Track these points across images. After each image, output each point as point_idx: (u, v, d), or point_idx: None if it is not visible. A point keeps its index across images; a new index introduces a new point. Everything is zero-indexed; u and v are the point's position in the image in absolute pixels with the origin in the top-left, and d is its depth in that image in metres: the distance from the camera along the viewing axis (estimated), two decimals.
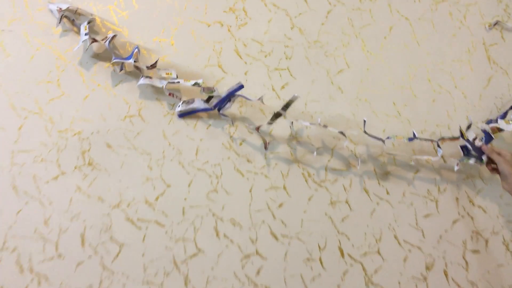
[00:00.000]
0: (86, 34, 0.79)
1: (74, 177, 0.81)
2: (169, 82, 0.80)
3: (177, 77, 0.82)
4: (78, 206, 0.81)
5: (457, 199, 0.90)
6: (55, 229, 0.79)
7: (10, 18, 0.85)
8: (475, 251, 0.90)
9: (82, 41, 0.79)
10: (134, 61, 0.78)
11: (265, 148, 0.84)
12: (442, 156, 0.87)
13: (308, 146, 0.88)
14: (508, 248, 0.90)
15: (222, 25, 0.90)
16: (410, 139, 0.82)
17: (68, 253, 0.79)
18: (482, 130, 0.85)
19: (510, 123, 0.83)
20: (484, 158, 0.82)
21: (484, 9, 0.99)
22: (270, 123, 0.82)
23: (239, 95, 0.81)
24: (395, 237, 0.87)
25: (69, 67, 0.84)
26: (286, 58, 0.91)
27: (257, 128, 0.82)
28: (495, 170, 0.82)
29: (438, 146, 0.83)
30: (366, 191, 0.88)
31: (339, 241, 0.86)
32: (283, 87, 0.90)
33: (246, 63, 0.89)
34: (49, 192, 0.81)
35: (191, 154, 0.85)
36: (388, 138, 0.84)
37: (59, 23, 0.80)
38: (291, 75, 0.90)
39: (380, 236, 0.86)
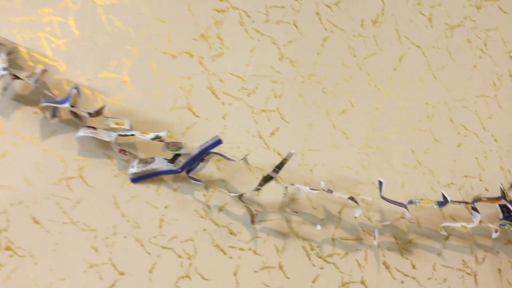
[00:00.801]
0: (4, 69, 0.69)
1: None
2: (119, 135, 0.71)
3: (131, 128, 0.74)
4: None
5: (499, 270, 0.84)
6: None
7: None
8: None
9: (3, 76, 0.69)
10: (72, 106, 0.69)
11: (252, 222, 0.76)
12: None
13: (308, 211, 0.80)
14: None
15: (191, 56, 0.84)
16: (441, 204, 0.77)
17: None
18: None
19: None
20: None
21: (507, 35, 0.99)
22: (257, 189, 0.74)
23: (215, 153, 0.73)
24: None
25: None
26: (275, 97, 0.85)
27: (240, 197, 0.74)
28: None
29: (474, 209, 0.78)
30: (387, 267, 0.81)
31: None
32: (273, 133, 0.84)
33: (224, 103, 0.83)
34: None
35: (153, 227, 0.76)
36: (411, 202, 0.77)
37: None
38: (282, 118, 0.85)
39: None
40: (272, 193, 0.83)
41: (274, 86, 0.88)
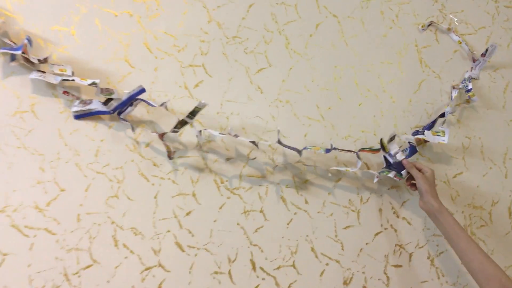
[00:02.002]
0: None
1: None
2: (63, 79, 0.90)
3: (72, 74, 0.93)
4: None
5: (380, 210, 1.05)
6: None
7: None
8: (398, 266, 1.05)
9: None
10: (23, 53, 0.88)
11: (169, 157, 0.96)
12: (363, 167, 1.02)
13: (221, 151, 1.00)
14: (433, 263, 1.06)
15: (131, 15, 1.02)
16: (328, 151, 0.97)
17: None
18: (407, 142, 1.00)
19: (437, 135, 0.99)
20: (404, 173, 0.97)
21: (419, 9, 1.15)
22: (175, 131, 0.94)
23: (140, 100, 0.93)
24: (312, 249, 1.01)
25: None
26: (202, 54, 1.03)
27: (161, 136, 0.94)
28: (414, 186, 0.97)
29: (358, 157, 0.97)
30: (284, 200, 1.02)
31: (251, 253, 0.99)
32: (197, 85, 1.02)
33: (156, 57, 1.01)
34: None
35: (90, 155, 0.97)
36: (305, 148, 0.97)
37: None
38: (206, 73, 1.03)
39: (296, 248, 1.00)
40: (192, 134, 1.03)
41: (202, 45, 1.07)
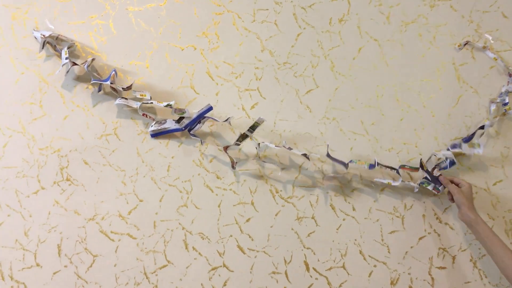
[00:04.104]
0: (66, 58, 1.12)
1: (52, 191, 1.14)
2: (143, 103, 1.12)
3: (151, 98, 1.14)
4: (55, 219, 1.12)
5: (423, 216, 1.19)
6: (34, 240, 1.11)
7: None
8: (442, 268, 1.18)
9: (63, 65, 1.12)
10: (111, 83, 1.11)
11: (232, 167, 1.15)
12: (405, 178, 1.17)
13: (276, 163, 1.18)
14: (476, 265, 1.18)
15: (195, 48, 1.23)
16: (371, 167, 1.12)
17: (46, 262, 1.10)
18: (444, 156, 1.14)
19: (474, 147, 1.13)
20: (441, 188, 1.12)
21: (455, 30, 1.30)
22: (237, 144, 1.13)
23: (208, 117, 1.13)
24: (361, 252, 1.16)
25: (51, 89, 1.17)
26: (256, 79, 1.23)
27: (225, 148, 1.13)
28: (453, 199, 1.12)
29: (398, 173, 1.13)
30: (333, 208, 1.18)
31: (305, 256, 1.15)
32: (253, 106, 1.21)
33: (217, 84, 1.22)
34: (29, 205, 1.13)
35: (163, 170, 1.17)
36: (351, 162, 1.14)
37: (42, 49, 1.14)
38: (261, 95, 1.22)
39: (346, 251, 1.16)
40: (250, 146, 1.22)
41: (256, 71, 1.26)
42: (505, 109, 1.22)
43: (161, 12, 1.24)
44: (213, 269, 1.14)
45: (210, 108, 1.14)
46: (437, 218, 1.20)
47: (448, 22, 1.30)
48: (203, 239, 1.15)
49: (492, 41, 1.30)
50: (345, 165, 1.15)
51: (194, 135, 1.17)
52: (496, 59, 1.28)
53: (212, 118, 1.15)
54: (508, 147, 1.24)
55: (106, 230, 1.14)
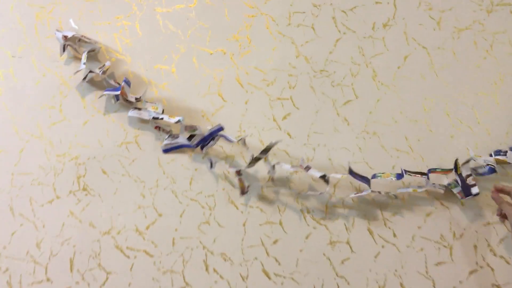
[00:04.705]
0: (84, 64, 1.08)
1: (68, 201, 1.09)
2: (153, 117, 1.07)
3: (163, 111, 1.09)
4: (69, 231, 1.08)
5: (475, 246, 1.08)
6: (46, 253, 1.06)
7: (21, 45, 1.18)
8: None
9: (77, 71, 1.09)
10: (121, 93, 1.06)
11: (242, 193, 1.08)
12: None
13: (308, 180, 1.10)
14: None
15: (224, 53, 1.17)
16: (399, 177, 1.03)
17: (57, 277, 1.05)
18: (485, 163, 1.03)
19: None
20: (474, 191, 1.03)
21: None
22: (249, 167, 1.06)
23: (221, 135, 1.06)
24: (401, 285, 1.06)
25: (72, 93, 1.14)
26: (290, 87, 1.15)
27: (238, 172, 1.06)
28: (505, 217, 0.99)
29: (428, 178, 1.03)
30: (371, 232, 1.08)
31: (338, 285, 1.06)
32: (285, 117, 1.14)
33: (247, 91, 1.15)
34: (43, 215, 1.09)
35: (185, 183, 1.11)
36: (374, 177, 1.04)
37: (63, 51, 1.11)
38: (294, 105, 1.15)
39: (384, 282, 1.06)
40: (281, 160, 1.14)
41: (290, 79, 1.19)
42: None
43: (190, 14, 1.19)
44: None
45: (221, 129, 1.09)
46: (491, 250, 1.08)
47: (507, 30, 1.19)
48: (225, 260, 1.08)
49: None
50: (368, 183, 1.05)
51: (206, 154, 1.12)
52: None
53: (225, 137, 1.08)
54: None
55: (122, 245, 1.08)
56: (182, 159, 1.14)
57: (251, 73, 1.18)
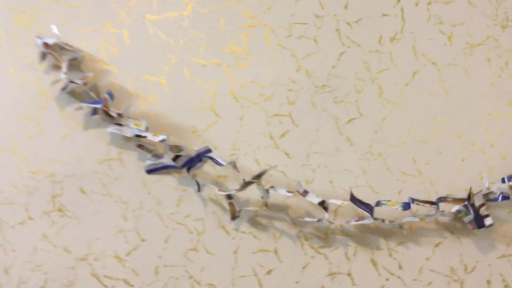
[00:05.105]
0: (64, 73, 1.01)
1: (41, 223, 1.02)
2: (136, 135, 0.99)
3: (146, 129, 1.02)
4: (41, 256, 1.00)
5: (488, 282, 1.01)
6: (14, 280, 0.99)
7: None
8: None
9: (57, 81, 1.02)
10: (103, 107, 0.99)
11: (232, 218, 1.01)
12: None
13: (307, 206, 1.02)
14: None
15: (219, 64, 1.11)
16: (406, 206, 0.95)
17: None
18: (498, 191, 0.96)
19: None
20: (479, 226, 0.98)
21: None
22: (240, 191, 1.00)
23: (207, 157, 1.00)
24: None
25: (51, 104, 1.07)
26: (289, 103, 1.09)
27: (228, 196, 1.00)
28: None
29: (438, 207, 0.96)
30: (374, 264, 1.01)
31: None
32: (283, 135, 1.07)
33: (242, 106, 1.08)
34: (13, 238, 1.01)
35: (172, 205, 1.04)
36: (377, 205, 0.97)
37: (43, 59, 1.04)
38: (293, 122, 1.08)
39: None
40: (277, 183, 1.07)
41: (289, 94, 1.12)
42: None
43: (183, 22, 1.13)
44: None
45: (209, 151, 1.03)
46: (505, 286, 1.00)
47: None
48: None
49: None
50: (371, 210, 0.97)
51: (193, 177, 1.04)
52: None
53: (213, 159, 1.02)
54: None
55: (99, 273, 1.01)
56: (169, 179, 1.07)
57: (247, 87, 1.12)
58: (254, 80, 1.13)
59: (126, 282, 1.01)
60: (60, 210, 1.05)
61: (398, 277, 1.03)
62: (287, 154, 1.09)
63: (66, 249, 1.03)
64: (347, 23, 1.16)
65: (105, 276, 1.02)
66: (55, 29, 1.10)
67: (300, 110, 1.12)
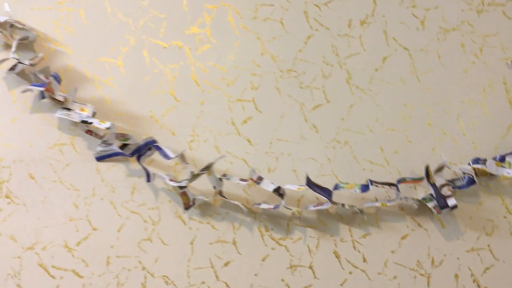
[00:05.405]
0: (13, 53, 0.97)
1: None
2: (82, 121, 0.95)
3: (93, 115, 0.98)
4: None
5: (456, 276, 0.98)
6: None
7: None
8: None
9: (4, 60, 0.98)
10: (47, 91, 0.95)
11: (185, 208, 0.99)
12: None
13: (269, 195, 0.99)
14: None
15: (180, 46, 1.07)
16: (364, 188, 0.92)
17: None
18: (461, 171, 0.94)
19: (501, 166, 0.93)
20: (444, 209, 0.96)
21: (508, 42, 1.11)
22: (190, 182, 0.97)
23: (156, 147, 0.98)
24: None
25: (1, 85, 1.02)
26: (252, 88, 1.05)
27: (181, 187, 0.97)
28: None
29: (398, 190, 0.93)
30: (337, 256, 0.98)
31: None
32: (245, 121, 1.04)
33: (203, 91, 1.05)
34: None
35: (126, 193, 1.00)
36: (336, 188, 0.93)
37: None
38: (256, 108, 1.04)
39: None
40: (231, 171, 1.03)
41: (253, 79, 1.09)
42: None
43: (143, 2, 1.10)
44: None
45: (153, 142, 1.00)
46: (474, 281, 0.98)
47: (499, 32, 1.11)
48: (167, 284, 0.97)
49: None
50: (329, 195, 0.94)
51: (142, 165, 1.00)
52: None
53: (160, 150, 0.99)
54: None
55: (47, 263, 0.97)
56: (124, 166, 1.03)
57: (209, 71, 1.08)
58: (217, 64, 1.09)
59: (75, 273, 0.98)
60: (7, 197, 1.01)
61: (362, 270, 1.00)
62: (249, 141, 1.06)
63: (12, 238, 0.99)
64: (316, 5, 1.12)
65: (53, 267, 0.98)
66: (7, 7, 1.06)
67: (264, 96, 1.08)
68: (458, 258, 1.00)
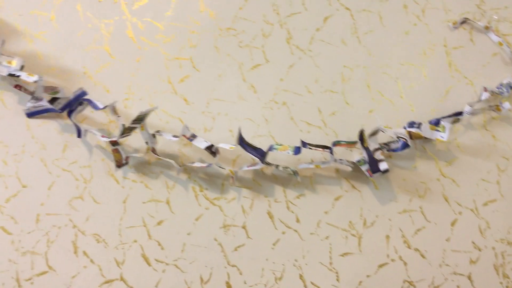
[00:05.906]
0: None
1: None
2: (9, 74, 0.95)
3: (21, 68, 0.97)
4: None
5: (387, 237, 1.01)
6: None
7: None
8: None
9: None
10: None
11: (117, 166, 0.99)
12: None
13: (204, 154, 1.01)
14: None
15: (116, 1, 1.06)
16: (297, 150, 0.94)
17: None
18: (396, 135, 0.97)
19: (436, 130, 0.96)
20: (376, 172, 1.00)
21: (450, 3, 1.13)
22: (122, 137, 0.98)
23: (86, 100, 0.97)
24: (301, 277, 0.99)
25: None
26: (190, 46, 1.06)
27: (113, 142, 0.97)
28: None
29: (331, 153, 0.95)
30: (271, 216, 1.01)
31: (228, 275, 0.98)
32: (182, 80, 1.05)
33: (139, 48, 1.05)
34: None
35: (57, 151, 1.01)
36: (270, 149, 0.95)
37: None
38: (193, 67, 1.05)
39: (282, 274, 0.99)
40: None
41: (191, 36, 1.09)
42: (500, 102, 1.04)
43: None
44: (106, 282, 0.97)
45: (83, 93, 1.00)
46: (404, 242, 1.02)
47: None
48: (98, 242, 0.99)
49: (497, 21, 1.11)
50: (261, 155, 0.96)
51: (73, 121, 1.00)
52: (501, 44, 1.11)
53: (90, 103, 0.99)
54: (508, 158, 1.05)
55: None
56: (55, 123, 1.04)
57: (146, 27, 1.08)
58: (154, 20, 1.09)
59: (4, 229, 0.99)
60: None
61: (295, 230, 1.03)
62: (185, 100, 1.07)
63: None
64: None
65: None
66: None
67: (202, 54, 1.09)
68: (390, 220, 1.04)
